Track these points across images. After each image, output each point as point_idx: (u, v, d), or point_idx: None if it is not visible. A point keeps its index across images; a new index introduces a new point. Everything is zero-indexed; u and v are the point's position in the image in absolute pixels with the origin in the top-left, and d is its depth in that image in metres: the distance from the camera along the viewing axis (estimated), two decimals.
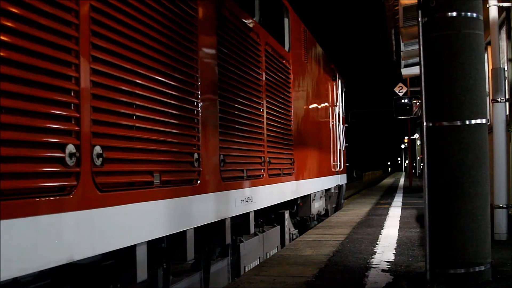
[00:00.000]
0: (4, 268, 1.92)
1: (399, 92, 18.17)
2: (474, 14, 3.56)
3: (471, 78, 3.56)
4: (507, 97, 5.59)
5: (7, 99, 1.99)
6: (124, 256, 2.92)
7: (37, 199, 2.12)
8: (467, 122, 3.54)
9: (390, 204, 12.00)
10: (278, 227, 6.74)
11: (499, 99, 5.50)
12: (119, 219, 2.68)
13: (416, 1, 3.75)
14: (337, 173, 10.41)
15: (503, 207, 5.41)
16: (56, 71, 2.26)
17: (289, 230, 7.33)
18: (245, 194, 4.68)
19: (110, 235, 2.61)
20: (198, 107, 3.69)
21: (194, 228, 3.67)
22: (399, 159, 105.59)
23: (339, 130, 10.52)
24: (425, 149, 3.69)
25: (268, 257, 5.91)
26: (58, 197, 2.24)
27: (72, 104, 2.36)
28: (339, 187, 11.38)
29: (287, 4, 6.75)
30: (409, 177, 24.03)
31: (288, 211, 7.21)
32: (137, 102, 2.90)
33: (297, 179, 6.80)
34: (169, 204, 3.23)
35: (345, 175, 11.77)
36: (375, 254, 5.05)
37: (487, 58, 6.62)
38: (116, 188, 2.69)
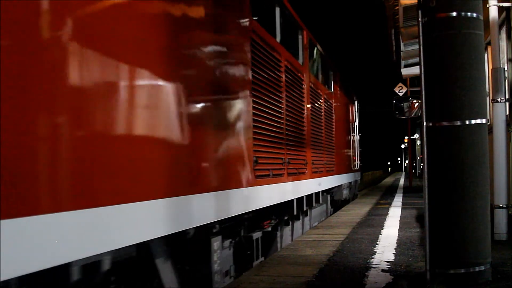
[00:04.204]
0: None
1: (399, 92, 18.19)
2: (474, 14, 3.56)
3: (471, 78, 3.55)
4: (507, 97, 5.58)
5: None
6: (288, 204, 6.28)
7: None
8: (467, 122, 3.53)
9: (390, 204, 11.99)
10: (324, 204, 10.01)
11: (499, 99, 5.49)
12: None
13: (416, 1, 3.75)
14: (355, 171, 14.01)
15: (503, 207, 5.40)
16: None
17: (329, 207, 10.62)
18: (319, 181, 8.24)
19: (286, 194, 5.94)
20: (308, 133, 7.21)
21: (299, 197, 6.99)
22: (399, 159, 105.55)
23: (356, 139, 14.32)
24: (425, 149, 3.69)
25: (320, 222, 8.92)
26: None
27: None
28: (356, 181, 14.87)
29: (333, 66, 10.65)
30: (409, 177, 24.03)
31: (329, 195, 10.50)
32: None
33: (336, 173, 10.34)
34: (304, 182, 6.91)
35: (359, 173, 15.64)
36: (375, 254, 5.06)
37: (487, 58, 6.62)
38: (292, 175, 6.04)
